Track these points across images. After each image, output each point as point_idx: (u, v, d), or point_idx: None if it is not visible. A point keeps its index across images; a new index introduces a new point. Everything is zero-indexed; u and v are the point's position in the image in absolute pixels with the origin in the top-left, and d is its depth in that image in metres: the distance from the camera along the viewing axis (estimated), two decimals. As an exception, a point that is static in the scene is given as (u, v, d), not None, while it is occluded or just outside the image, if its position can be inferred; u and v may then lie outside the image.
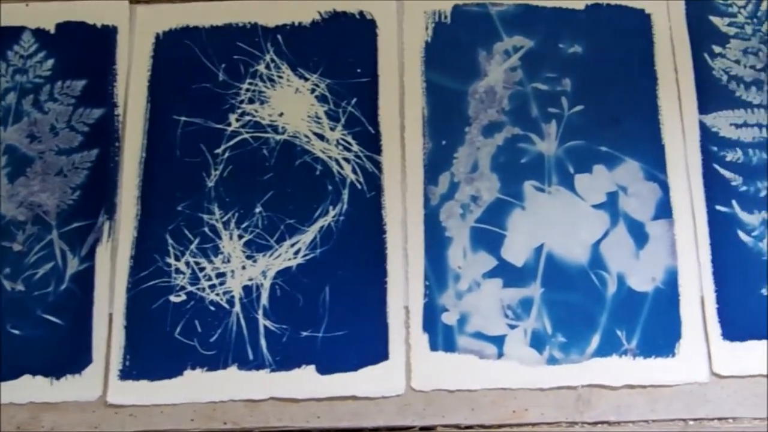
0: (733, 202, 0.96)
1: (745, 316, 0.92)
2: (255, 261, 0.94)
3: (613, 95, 0.99)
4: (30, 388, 0.90)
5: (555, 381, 0.91)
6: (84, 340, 0.91)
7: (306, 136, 0.98)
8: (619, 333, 0.92)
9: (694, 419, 0.90)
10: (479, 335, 0.92)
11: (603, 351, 0.91)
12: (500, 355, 0.91)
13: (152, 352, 0.91)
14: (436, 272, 0.94)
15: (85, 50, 1.01)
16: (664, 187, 0.96)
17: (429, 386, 0.91)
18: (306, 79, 1.00)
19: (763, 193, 0.96)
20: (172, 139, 0.97)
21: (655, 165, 0.97)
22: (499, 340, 0.92)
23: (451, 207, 0.96)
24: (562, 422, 0.90)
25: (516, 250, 0.94)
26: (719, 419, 0.90)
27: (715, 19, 1.02)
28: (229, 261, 0.94)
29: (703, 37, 1.02)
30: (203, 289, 0.93)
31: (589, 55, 1.01)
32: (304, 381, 0.90)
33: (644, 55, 1.01)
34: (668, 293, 0.93)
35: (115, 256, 0.94)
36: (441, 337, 0.92)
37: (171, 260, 0.94)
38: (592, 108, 0.99)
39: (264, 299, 0.93)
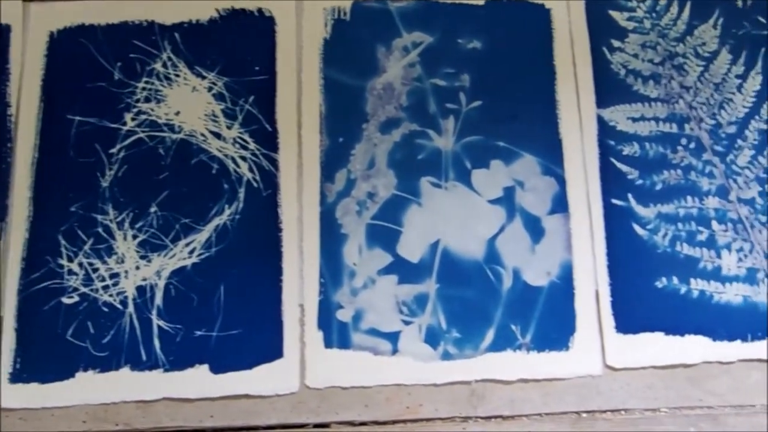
0: (629, 195, 0.96)
1: (638, 309, 0.93)
2: (149, 261, 0.93)
3: (511, 90, 0.99)
4: None
5: (449, 376, 0.91)
6: (-26, 344, 0.90)
7: (203, 135, 0.97)
8: (513, 327, 0.92)
9: (587, 412, 0.91)
10: (374, 332, 0.92)
11: (497, 346, 0.92)
12: (395, 351, 0.91)
13: (43, 355, 0.90)
14: (332, 269, 0.93)
15: (-20, 50, 1.00)
16: (561, 182, 0.97)
17: (323, 383, 0.91)
18: (203, 78, 0.99)
19: (658, 187, 0.97)
20: (66, 139, 0.96)
21: (553, 159, 0.97)
22: (393, 337, 0.92)
23: (348, 204, 0.95)
24: (456, 417, 0.91)
25: (412, 247, 0.94)
26: (612, 411, 0.91)
27: (615, 14, 1.03)
28: (123, 261, 0.93)
29: (602, 32, 1.02)
30: (96, 290, 0.92)
31: (488, 51, 1.01)
32: (197, 380, 0.90)
33: (543, 50, 1.01)
34: (563, 287, 0.93)
35: (6, 258, 0.93)
36: (336, 334, 0.92)
37: (64, 261, 0.93)
38: (490, 103, 0.99)
39: (158, 299, 0.92)
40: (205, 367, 0.90)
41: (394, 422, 0.90)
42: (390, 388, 0.91)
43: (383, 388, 0.91)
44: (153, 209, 0.95)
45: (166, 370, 0.90)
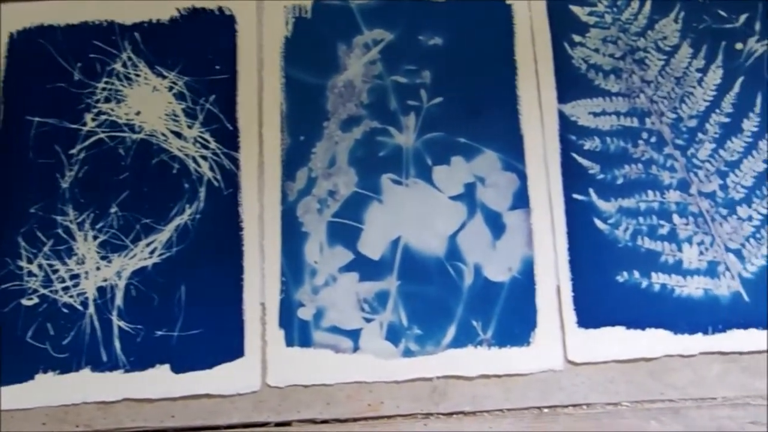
0: (590, 190, 0.96)
1: (600, 304, 0.93)
2: (110, 262, 0.93)
3: (472, 86, 0.99)
4: None
5: (410, 373, 0.91)
6: (-66, 346, 0.90)
7: (163, 135, 0.97)
8: (474, 324, 0.92)
9: (549, 407, 0.91)
10: (335, 329, 0.92)
11: (458, 342, 0.92)
12: (356, 348, 0.91)
13: (3, 357, 0.90)
14: (293, 268, 0.93)
15: (-60, 52, 1.00)
16: (522, 177, 0.97)
17: (284, 382, 0.91)
18: (164, 77, 0.99)
19: (619, 181, 0.97)
20: (26, 140, 0.96)
21: (514, 155, 0.97)
22: (354, 334, 0.92)
23: (309, 202, 0.95)
24: (418, 414, 0.91)
25: (373, 244, 0.94)
26: (573, 406, 0.91)
27: (576, 9, 1.03)
28: (83, 262, 0.93)
29: (563, 27, 1.02)
30: (56, 292, 0.92)
31: (448, 47, 1.01)
32: (158, 381, 0.90)
33: (504, 45, 1.01)
34: (524, 283, 0.93)
35: (-35, 260, 0.93)
36: (297, 332, 0.92)
37: (23, 263, 0.93)
38: (451, 99, 0.99)
39: (119, 300, 0.92)
40: (166, 367, 0.90)
41: (355, 420, 0.90)
42: (351, 386, 0.91)
43: (345, 385, 0.91)
44: (113, 210, 0.94)
45: (127, 371, 0.90)
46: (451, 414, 0.91)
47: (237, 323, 0.91)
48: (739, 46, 1.01)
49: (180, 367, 0.90)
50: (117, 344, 0.90)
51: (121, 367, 0.90)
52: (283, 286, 0.93)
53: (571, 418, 0.90)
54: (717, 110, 0.99)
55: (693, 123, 0.98)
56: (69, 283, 0.92)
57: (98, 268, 0.93)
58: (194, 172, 0.96)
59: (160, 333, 0.91)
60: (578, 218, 0.95)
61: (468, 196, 0.96)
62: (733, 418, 0.90)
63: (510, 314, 0.92)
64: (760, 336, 0.92)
